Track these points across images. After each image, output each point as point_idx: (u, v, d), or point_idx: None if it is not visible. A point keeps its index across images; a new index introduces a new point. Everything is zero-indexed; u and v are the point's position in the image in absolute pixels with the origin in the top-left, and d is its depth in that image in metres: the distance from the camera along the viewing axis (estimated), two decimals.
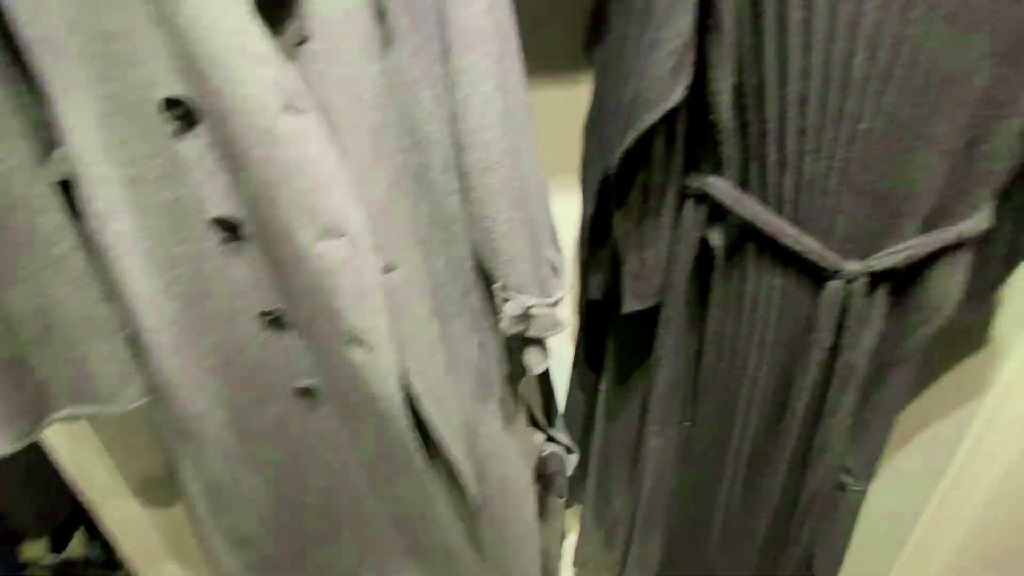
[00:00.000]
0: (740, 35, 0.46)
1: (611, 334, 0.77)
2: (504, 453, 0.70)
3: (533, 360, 0.57)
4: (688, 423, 0.74)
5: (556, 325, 0.54)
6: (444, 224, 0.51)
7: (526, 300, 0.51)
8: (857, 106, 0.45)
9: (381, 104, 0.43)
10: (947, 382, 0.69)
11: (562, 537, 1.06)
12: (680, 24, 0.45)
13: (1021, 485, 0.74)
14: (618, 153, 0.51)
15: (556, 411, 1.01)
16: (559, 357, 1.08)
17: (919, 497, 0.76)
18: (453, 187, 0.49)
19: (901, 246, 0.50)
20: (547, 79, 0.74)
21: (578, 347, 0.87)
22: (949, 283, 0.51)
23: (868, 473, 0.64)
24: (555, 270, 0.57)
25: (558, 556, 1.05)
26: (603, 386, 0.83)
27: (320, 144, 0.40)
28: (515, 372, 0.67)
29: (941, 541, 0.79)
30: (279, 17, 0.39)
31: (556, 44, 0.69)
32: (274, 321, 0.48)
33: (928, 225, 0.49)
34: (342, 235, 0.42)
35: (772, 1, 0.43)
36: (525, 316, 0.52)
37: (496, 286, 0.52)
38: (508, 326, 0.52)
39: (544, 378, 0.95)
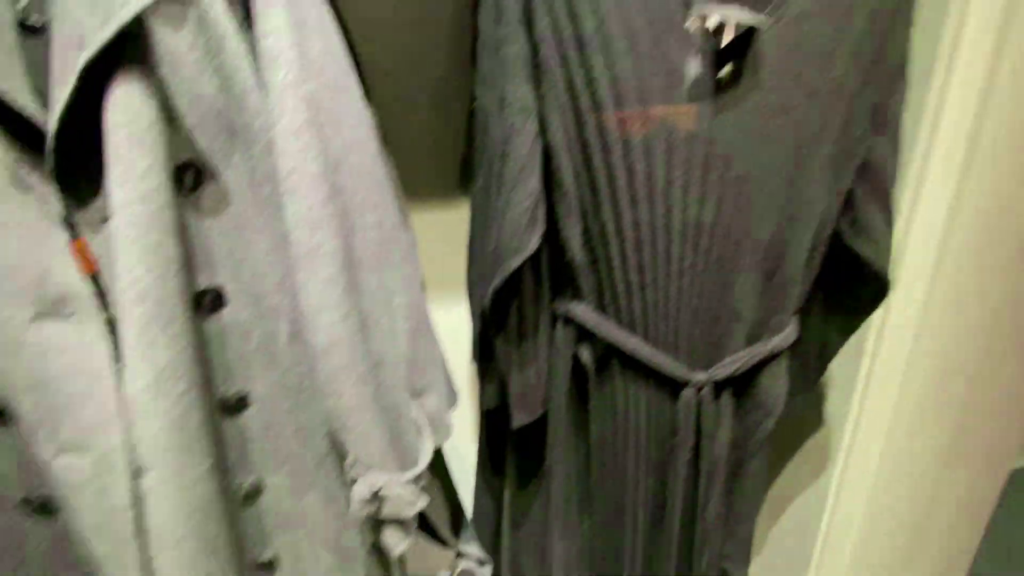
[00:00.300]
0: (580, 193, 0.54)
1: (509, 442, 0.80)
2: None
3: (390, 541, 0.53)
4: (587, 526, 0.76)
5: (412, 504, 0.52)
6: (292, 393, 0.51)
7: (376, 480, 0.49)
8: (680, 248, 0.54)
9: (184, 278, 0.42)
10: (797, 464, 0.79)
11: None
12: (530, 187, 0.51)
13: (877, 533, 0.84)
14: (489, 293, 0.56)
15: (464, 523, 0.99)
16: (465, 463, 1.08)
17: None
18: (301, 358, 0.49)
19: (733, 358, 0.58)
20: (441, 201, 0.80)
21: (481, 454, 0.88)
22: (775, 386, 0.60)
23: (745, 558, 0.70)
24: (420, 431, 0.56)
25: None
26: (507, 493, 0.84)
27: (80, 351, 0.40)
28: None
29: None
30: (86, 192, 0.39)
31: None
32: (38, 508, 0.44)
33: (751, 339, 0.59)
34: (87, 451, 0.41)
35: (602, 168, 0.52)
36: (376, 497, 0.50)
37: (347, 462, 0.50)
38: (357, 509, 0.50)
39: (449, 492, 0.93)
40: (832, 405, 0.76)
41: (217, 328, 0.48)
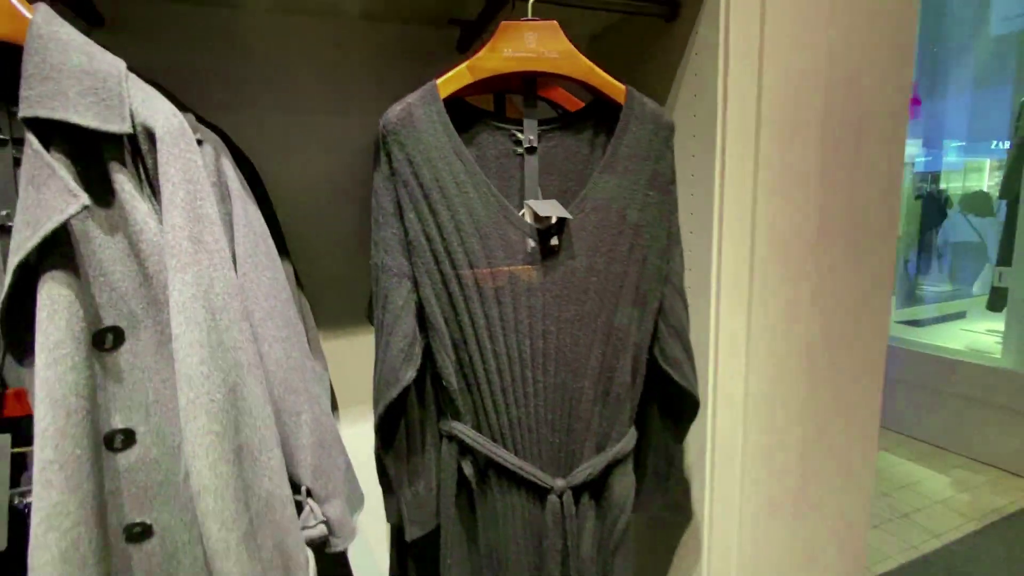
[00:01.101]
0: (451, 332, 0.68)
1: (411, 557, 0.85)
2: None
3: None
4: None
5: None
6: (188, 527, 0.58)
7: None
8: (532, 373, 0.68)
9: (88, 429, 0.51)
10: (669, 551, 0.88)
11: None
12: (405, 329, 0.65)
13: None
14: (375, 419, 0.67)
15: None
16: None
17: None
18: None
19: (585, 464, 0.70)
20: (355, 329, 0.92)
21: (392, 570, 0.91)
22: (623, 486, 0.72)
23: None
24: (309, 565, 0.62)
25: None
26: None
27: None
28: None
29: None
30: (30, 352, 0.49)
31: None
32: None
33: (599, 448, 0.71)
34: None
35: (465, 312, 0.66)
36: None
37: None
38: None
39: None
40: (693, 502, 0.87)
41: (127, 464, 0.56)
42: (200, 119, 0.69)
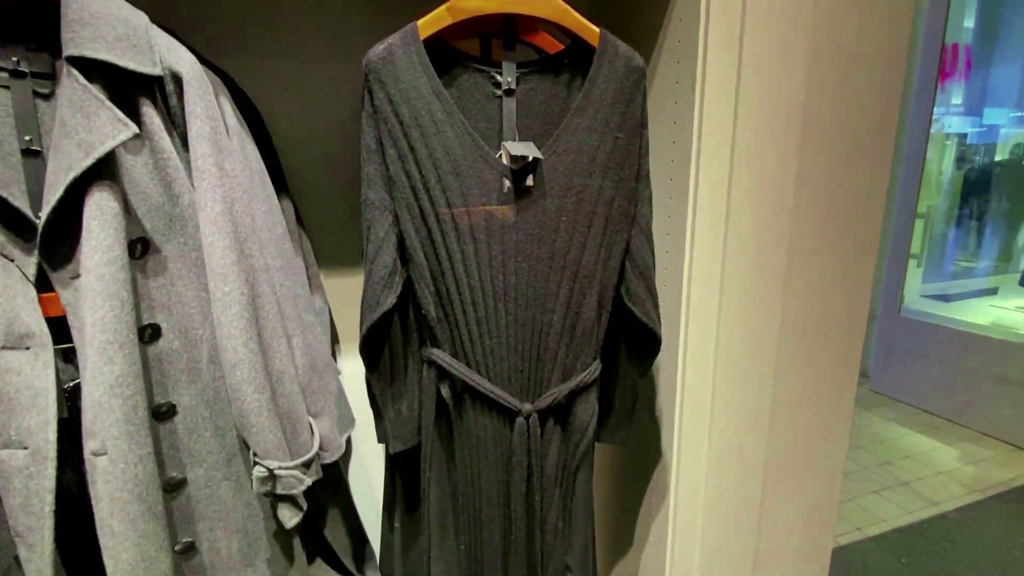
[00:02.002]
0: (430, 265, 0.73)
1: (396, 477, 0.93)
2: None
3: (284, 515, 0.69)
4: (462, 546, 0.89)
5: (300, 482, 0.67)
6: (209, 404, 0.67)
7: (270, 464, 0.65)
8: (504, 307, 0.73)
9: (134, 317, 0.60)
10: (639, 489, 0.94)
11: None
12: (385, 259, 0.71)
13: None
14: (360, 340, 0.74)
15: (368, 554, 1.10)
16: (375, 503, 1.20)
17: (656, 568, 0.96)
18: (216, 376, 0.66)
19: (551, 391, 0.76)
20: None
21: (385, 493, 1.00)
22: (585, 412, 0.77)
23: (583, 568, 0.83)
24: (313, 431, 0.72)
25: None
26: (397, 523, 0.96)
27: (32, 373, 0.57)
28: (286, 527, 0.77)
29: None
30: (60, 260, 0.58)
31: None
32: None
33: (564, 377, 0.76)
34: (24, 447, 0.56)
35: (442, 247, 0.71)
36: (271, 477, 0.66)
37: (251, 452, 0.66)
38: (256, 487, 0.66)
39: (352, 524, 1.05)
40: (663, 442, 0.92)
41: (155, 353, 0.65)
42: (204, 62, 0.74)
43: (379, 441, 0.90)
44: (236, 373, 0.62)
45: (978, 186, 3.74)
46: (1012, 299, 3.31)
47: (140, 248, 0.62)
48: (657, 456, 0.93)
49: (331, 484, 1.00)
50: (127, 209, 0.61)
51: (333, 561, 1.04)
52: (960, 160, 3.77)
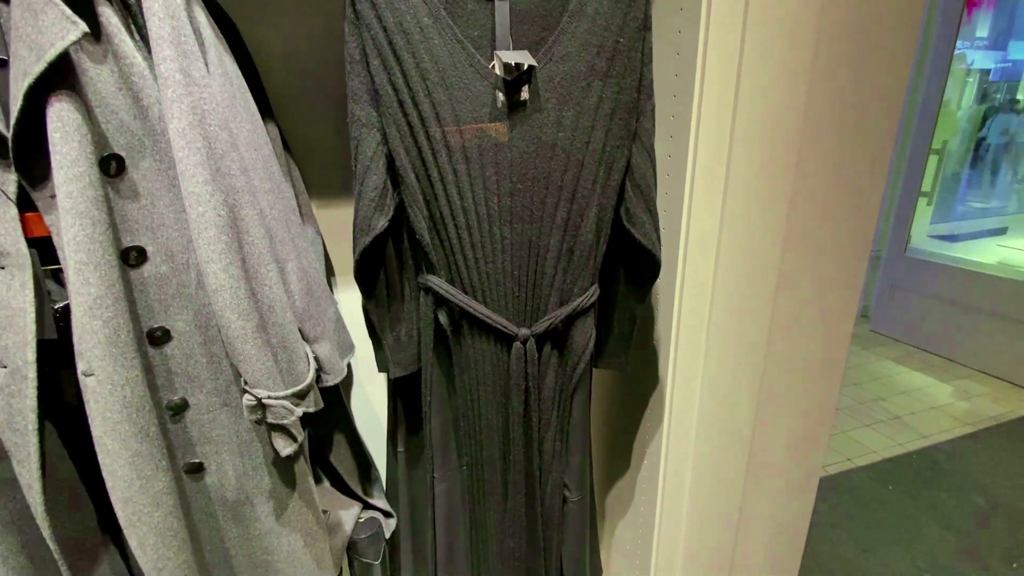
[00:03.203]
0: (422, 187, 0.71)
1: (399, 403, 0.95)
2: (283, 529, 0.79)
3: (278, 444, 0.69)
4: (464, 467, 0.92)
5: (291, 413, 0.67)
6: (203, 330, 0.67)
7: (259, 393, 0.65)
8: (500, 231, 0.71)
9: (112, 239, 0.58)
10: (635, 413, 0.96)
11: None
12: (375, 181, 0.68)
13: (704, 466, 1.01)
14: (354, 265, 0.72)
15: (374, 478, 1.14)
16: (380, 432, 1.23)
17: (648, 511, 1.00)
18: (207, 301, 0.65)
19: (548, 316, 0.75)
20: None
21: (389, 420, 1.03)
22: (582, 336, 0.77)
23: (580, 486, 0.85)
24: (309, 362, 0.71)
25: None
26: (401, 448, 0.99)
27: (8, 293, 0.55)
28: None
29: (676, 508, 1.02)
30: (41, 179, 0.56)
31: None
32: None
33: (562, 302, 0.76)
34: (4, 367, 0.56)
35: (434, 168, 0.69)
36: (260, 406, 0.65)
37: (242, 379, 0.66)
38: (247, 415, 0.66)
39: (356, 448, 1.08)
40: (660, 370, 0.93)
41: (142, 278, 0.64)
42: None
43: (380, 370, 0.91)
44: (218, 299, 0.61)
45: (997, 124, 3.59)
46: (1021, 239, 3.26)
47: (115, 166, 0.60)
48: (653, 382, 0.94)
49: (334, 410, 1.02)
50: (94, 122, 0.58)
51: (340, 485, 1.09)
52: (981, 97, 3.60)
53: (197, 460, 0.71)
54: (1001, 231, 3.53)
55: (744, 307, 0.88)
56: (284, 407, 0.66)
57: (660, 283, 0.88)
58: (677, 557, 1.02)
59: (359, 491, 1.09)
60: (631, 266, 0.81)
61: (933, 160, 2.95)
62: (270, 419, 0.66)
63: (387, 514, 1.12)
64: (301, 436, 0.69)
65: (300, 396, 0.68)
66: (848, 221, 0.92)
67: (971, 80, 3.29)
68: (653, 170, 0.73)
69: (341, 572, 1.08)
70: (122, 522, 0.61)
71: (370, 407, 1.22)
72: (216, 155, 0.61)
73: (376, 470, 1.15)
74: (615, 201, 0.74)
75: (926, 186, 2.99)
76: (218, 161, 0.61)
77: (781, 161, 0.81)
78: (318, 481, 1.07)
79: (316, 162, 0.98)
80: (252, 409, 0.65)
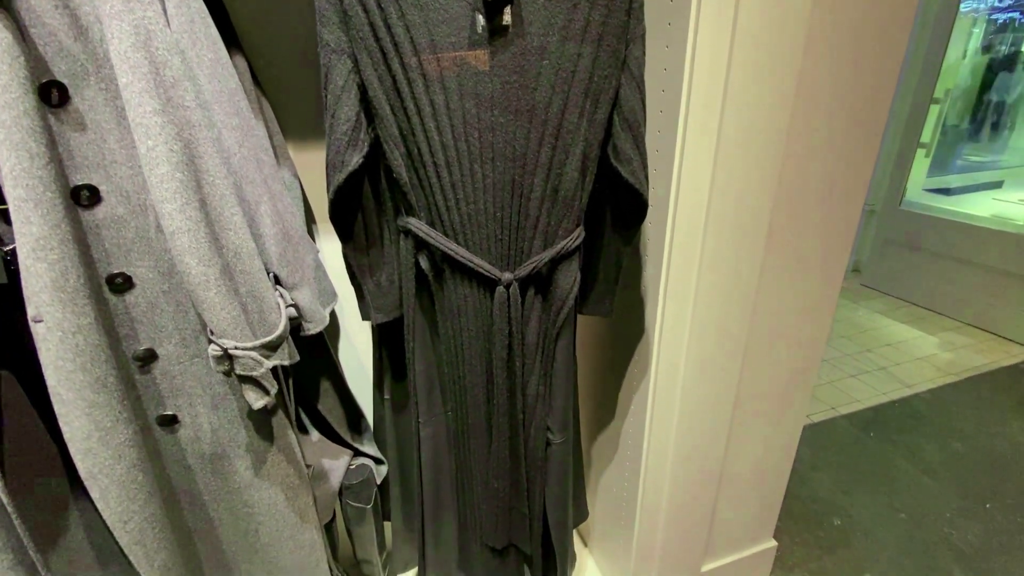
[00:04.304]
0: (398, 122, 0.67)
1: (383, 350, 0.94)
2: (263, 483, 0.79)
3: (249, 397, 0.66)
4: (449, 412, 0.91)
5: (259, 364, 0.64)
6: (167, 277, 0.64)
7: (225, 343, 0.62)
8: (481, 169, 0.68)
9: (55, 175, 0.54)
10: (623, 358, 0.95)
11: (381, 542, 1.17)
12: (346, 112, 0.64)
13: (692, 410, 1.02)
14: (328, 205, 0.69)
15: (364, 426, 1.14)
16: (367, 382, 1.22)
17: (635, 454, 1.01)
18: (168, 246, 0.61)
19: (532, 260, 0.73)
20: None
21: (375, 368, 1.02)
22: (566, 281, 0.75)
23: (563, 428, 0.86)
24: (282, 312, 0.68)
25: (375, 562, 1.16)
26: (387, 395, 0.98)
27: None
28: (271, 406, 0.77)
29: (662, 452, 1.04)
30: None
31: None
32: None
33: (546, 245, 0.73)
34: None
35: (410, 100, 0.64)
36: (227, 357, 0.62)
37: (208, 329, 0.63)
38: (214, 366, 0.63)
39: (345, 397, 1.08)
40: (647, 320, 0.92)
41: (96, 220, 0.61)
42: None
43: (363, 319, 0.90)
44: (176, 242, 0.57)
45: (1001, 75, 3.49)
46: (1017, 192, 3.24)
47: (56, 94, 0.55)
48: (640, 328, 0.93)
49: (320, 360, 1.01)
50: (29, 45, 0.53)
51: (330, 434, 1.09)
52: (986, 47, 3.49)
53: (170, 412, 0.70)
54: (997, 185, 3.49)
55: (734, 255, 0.86)
56: (252, 359, 0.64)
57: (650, 227, 0.85)
58: (662, 500, 1.05)
59: (348, 439, 1.09)
60: (618, 207, 0.78)
61: (934, 109, 2.87)
62: (238, 370, 0.64)
63: (378, 460, 1.14)
64: (274, 388, 0.67)
65: (271, 347, 0.66)
66: (843, 169, 0.89)
67: (977, 31, 3.17)
68: (643, 104, 0.69)
69: (334, 517, 1.11)
70: (82, 474, 0.60)
71: (357, 356, 1.21)
72: (165, 82, 0.56)
73: (365, 419, 1.15)
74: (602, 137, 0.70)
75: (925, 136, 2.93)
76: (169, 90, 0.57)
77: (777, 108, 0.77)
78: (307, 432, 1.07)
79: (291, 101, 0.93)
80: (218, 360, 0.62)
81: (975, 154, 3.78)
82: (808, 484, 1.71)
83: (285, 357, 0.70)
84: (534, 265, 0.72)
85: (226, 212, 0.62)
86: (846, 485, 1.70)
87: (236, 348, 0.63)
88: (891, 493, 1.66)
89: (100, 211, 0.60)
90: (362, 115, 0.66)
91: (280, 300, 0.70)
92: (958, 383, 2.25)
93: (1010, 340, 2.56)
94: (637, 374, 0.97)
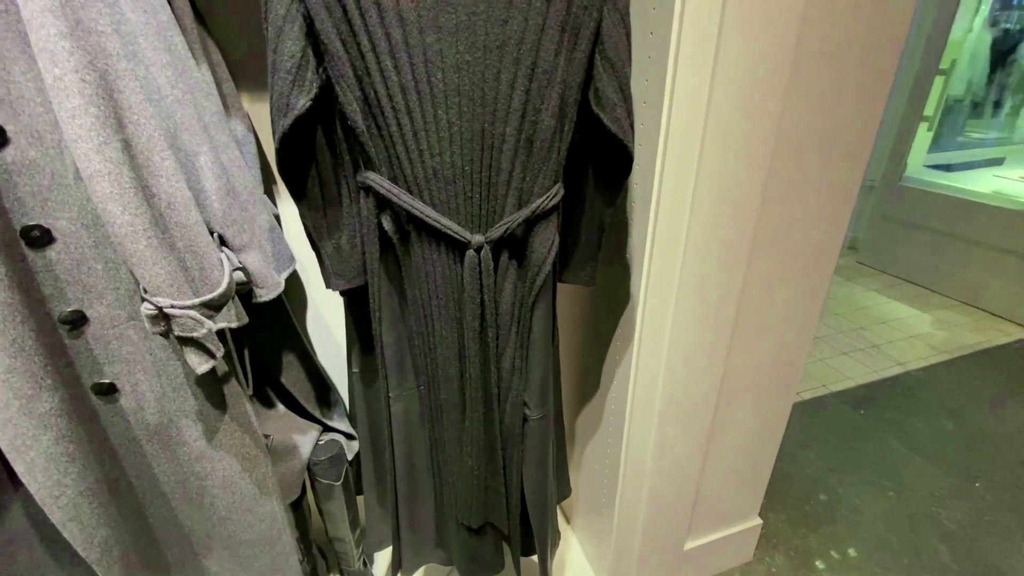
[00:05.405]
0: (351, 59, 0.59)
1: (352, 320, 0.87)
2: (216, 453, 0.73)
3: (191, 361, 0.60)
4: (421, 385, 0.86)
5: (199, 324, 0.57)
6: (92, 229, 0.57)
7: (160, 301, 0.55)
8: (446, 114, 0.61)
9: None
10: (605, 329, 0.89)
11: (354, 519, 1.13)
12: (290, 47, 0.56)
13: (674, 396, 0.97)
14: (275, 155, 0.62)
15: (334, 400, 1.09)
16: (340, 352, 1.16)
17: (617, 428, 0.96)
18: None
19: (505, 220, 0.66)
20: None
21: (348, 338, 0.96)
22: (543, 245, 0.69)
23: (541, 403, 0.80)
24: (224, 269, 0.61)
25: (347, 540, 1.12)
26: (355, 368, 0.93)
27: None
28: (220, 373, 0.71)
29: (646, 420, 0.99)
30: None
31: None
32: None
33: (521, 204, 0.66)
34: None
35: (363, 33, 0.57)
36: (163, 316, 0.56)
37: (140, 286, 0.56)
38: (148, 327, 0.56)
39: (311, 370, 1.02)
40: (632, 289, 0.86)
41: (4, 164, 0.53)
42: None
43: (327, 286, 0.83)
44: (96, 187, 0.50)
45: (1005, 52, 3.39)
46: (1017, 169, 3.17)
47: None
48: (624, 298, 0.87)
49: (282, 330, 0.95)
50: None
51: (297, 408, 1.04)
52: (993, 24, 3.38)
53: (107, 380, 0.64)
54: (998, 162, 3.43)
55: (726, 221, 0.80)
56: (191, 318, 0.57)
57: (636, 187, 0.79)
58: (644, 477, 1.00)
59: (317, 413, 1.04)
60: (600, 162, 0.71)
61: (939, 81, 2.78)
62: (177, 331, 0.57)
63: (349, 436, 1.09)
64: (220, 351, 0.61)
65: (213, 307, 0.60)
66: (843, 139, 0.82)
67: (984, 7, 3.06)
68: (628, 41, 0.62)
69: (304, 493, 1.06)
70: (3, 447, 0.54)
71: (328, 326, 1.15)
72: (75, 3, 0.48)
73: (336, 392, 1.10)
74: (582, 79, 0.63)
75: (928, 110, 2.85)
76: (78, 10, 0.49)
77: (773, 70, 0.70)
78: (271, 405, 1.01)
79: (247, 48, 0.84)
80: (153, 320, 0.56)
81: (976, 130, 3.70)
82: (796, 461, 1.68)
83: (232, 319, 0.64)
84: (507, 226, 0.66)
85: (155, 157, 0.55)
86: (834, 463, 1.68)
87: (172, 307, 0.56)
88: (879, 471, 1.64)
89: (8, 154, 0.53)
90: (309, 51, 0.58)
91: (224, 257, 0.63)
92: (951, 361, 2.22)
93: (1005, 319, 2.53)
94: (621, 346, 0.92)
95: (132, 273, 0.57)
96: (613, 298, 0.89)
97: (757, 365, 1.01)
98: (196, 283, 0.59)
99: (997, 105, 3.69)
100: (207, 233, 0.61)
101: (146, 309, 0.55)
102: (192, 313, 0.57)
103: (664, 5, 0.65)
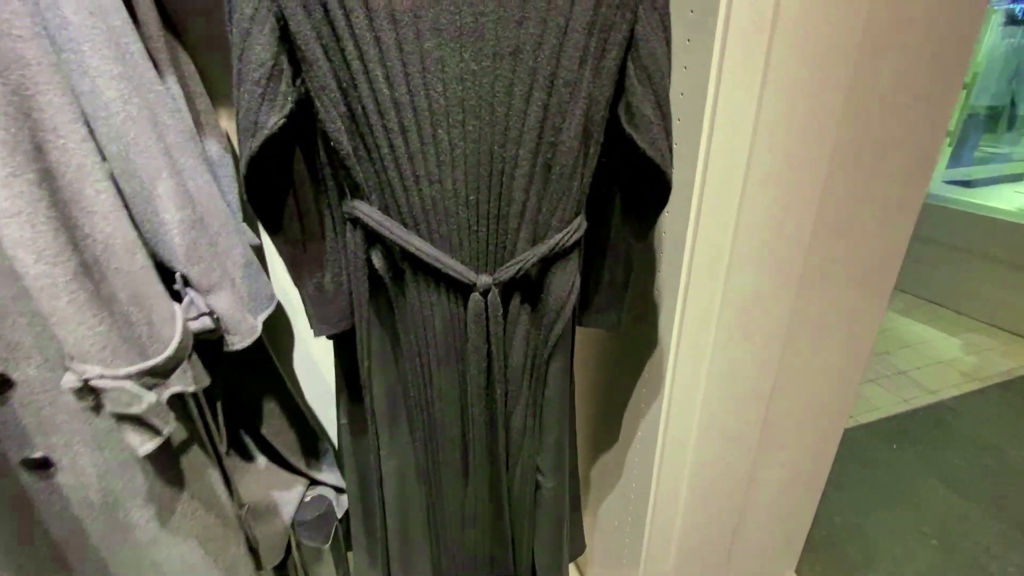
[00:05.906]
0: (333, 66, 0.49)
1: (339, 365, 0.77)
2: (172, 537, 0.62)
3: (131, 441, 0.50)
4: (417, 442, 0.75)
5: (136, 399, 0.47)
6: (16, 277, 0.46)
7: (86, 370, 0.45)
8: (448, 133, 0.50)
9: None
10: (630, 378, 0.78)
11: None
12: (259, 55, 0.46)
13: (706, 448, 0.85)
14: (243, 181, 0.51)
15: (323, 451, 0.97)
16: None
17: (643, 482, 0.85)
18: None
19: (517, 259, 0.55)
20: None
21: (337, 385, 0.85)
22: (562, 287, 0.58)
23: (556, 470, 0.69)
24: (176, 325, 0.51)
25: None
26: (343, 420, 0.81)
27: None
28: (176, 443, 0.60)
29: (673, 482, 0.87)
30: None
31: None
32: None
33: (535, 238, 0.56)
34: None
35: (348, 38, 0.47)
36: (88, 389, 0.46)
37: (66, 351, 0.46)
38: (75, 400, 0.46)
39: (296, 419, 0.91)
40: (660, 336, 0.75)
41: None
42: None
43: (311, 327, 0.72)
44: (4, 231, 0.41)
45: (1020, 65, 3.31)
46: None
47: None
48: (652, 342, 0.76)
49: (261, 377, 0.84)
50: None
51: (280, 461, 0.92)
52: (1008, 38, 3.31)
53: (40, 454, 0.53)
54: (1018, 178, 3.33)
55: (772, 258, 0.69)
56: (126, 391, 0.46)
57: (666, 215, 0.68)
58: (672, 537, 0.88)
59: (302, 466, 0.93)
60: (629, 189, 0.60)
61: (960, 95, 2.69)
62: (109, 407, 0.47)
63: (339, 490, 0.97)
64: (167, 427, 0.50)
65: (159, 373, 0.49)
66: (904, 163, 0.72)
67: (996, 12, 2.99)
68: (668, 47, 0.51)
69: (287, 556, 0.94)
70: None
71: (316, 364, 1.04)
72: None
73: (326, 440, 0.98)
74: (611, 93, 0.52)
75: (950, 124, 2.75)
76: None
77: (830, 85, 0.60)
78: (251, 459, 0.90)
79: (225, 58, 0.74)
80: (79, 393, 0.45)
81: (991, 145, 3.60)
82: (829, 502, 1.55)
83: (188, 383, 0.53)
84: (520, 266, 0.55)
85: (87, 190, 0.45)
86: (867, 505, 1.54)
87: (103, 377, 0.45)
88: (919, 515, 1.50)
89: None
90: (283, 59, 0.48)
91: (177, 309, 0.53)
92: (984, 389, 2.09)
93: None
94: (647, 395, 0.80)
95: (55, 332, 0.46)
96: (637, 341, 0.78)
97: (801, 412, 0.90)
98: (142, 341, 0.48)
99: (1012, 120, 3.59)
100: (156, 280, 0.51)
101: (68, 381, 0.44)
102: (127, 385, 0.46)
103: (705, 7, 0.55)
